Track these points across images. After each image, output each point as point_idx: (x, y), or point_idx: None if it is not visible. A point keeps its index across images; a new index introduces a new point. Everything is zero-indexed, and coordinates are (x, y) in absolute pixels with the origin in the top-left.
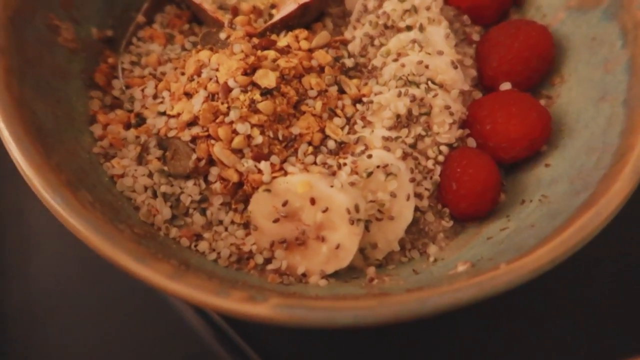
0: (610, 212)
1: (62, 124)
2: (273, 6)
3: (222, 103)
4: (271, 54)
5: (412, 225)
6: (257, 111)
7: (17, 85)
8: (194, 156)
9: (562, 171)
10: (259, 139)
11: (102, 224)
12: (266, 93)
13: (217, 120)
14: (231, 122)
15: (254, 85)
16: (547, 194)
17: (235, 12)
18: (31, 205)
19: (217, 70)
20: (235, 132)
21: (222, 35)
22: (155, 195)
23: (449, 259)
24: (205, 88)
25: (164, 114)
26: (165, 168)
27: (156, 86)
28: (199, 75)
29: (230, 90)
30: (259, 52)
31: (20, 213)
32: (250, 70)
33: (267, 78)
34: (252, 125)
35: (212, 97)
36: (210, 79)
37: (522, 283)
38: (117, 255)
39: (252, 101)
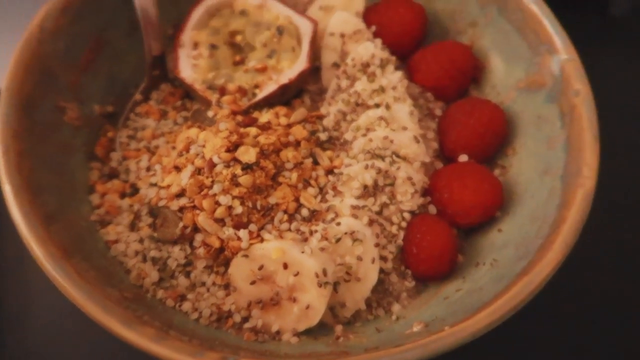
0: (541, 280)
1: (64, 196)
2: (256, 86)
3: (207, 177)
4: (253, 130)
5: (377, 285)
6: (238, 184)
7: (27, 166)
8: (181, 224)
9: (511, 237)
10: (239, 209)
11: (94, 290)
12: (247, 167)
13: (202, 193)
14: (214, 195)
15: (236, 160)
16: (497, 258)
17: (222, 91)
18: (31, 258)
19: (203, 146)
20: (217, 203)
21: (210, 114)
22: (145, 260)
23: (409, 317)
24: (193, 163)
25: (155, 185)
26: (155, 234)
27: (149, 159)
28: (187, 151)
29: (214, 165)
30: (242, 129)
31: (20, 264)
32: (232, 147)
33: (247, 154)
34: (233, 197)
35: (198, 171)
36: (197, 155)
37: (463, 344)
38: (106, 319)
39: (234, 175)
